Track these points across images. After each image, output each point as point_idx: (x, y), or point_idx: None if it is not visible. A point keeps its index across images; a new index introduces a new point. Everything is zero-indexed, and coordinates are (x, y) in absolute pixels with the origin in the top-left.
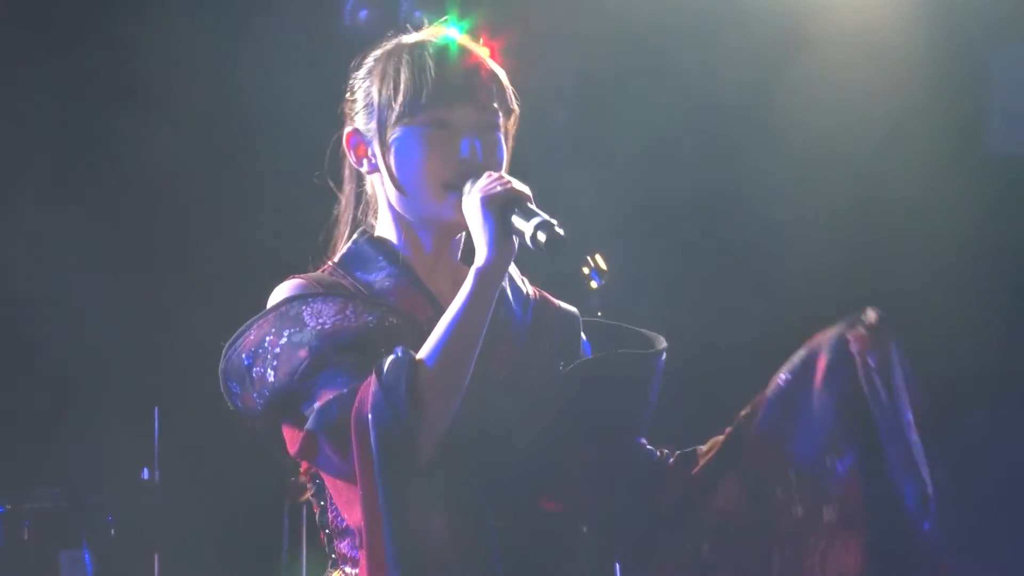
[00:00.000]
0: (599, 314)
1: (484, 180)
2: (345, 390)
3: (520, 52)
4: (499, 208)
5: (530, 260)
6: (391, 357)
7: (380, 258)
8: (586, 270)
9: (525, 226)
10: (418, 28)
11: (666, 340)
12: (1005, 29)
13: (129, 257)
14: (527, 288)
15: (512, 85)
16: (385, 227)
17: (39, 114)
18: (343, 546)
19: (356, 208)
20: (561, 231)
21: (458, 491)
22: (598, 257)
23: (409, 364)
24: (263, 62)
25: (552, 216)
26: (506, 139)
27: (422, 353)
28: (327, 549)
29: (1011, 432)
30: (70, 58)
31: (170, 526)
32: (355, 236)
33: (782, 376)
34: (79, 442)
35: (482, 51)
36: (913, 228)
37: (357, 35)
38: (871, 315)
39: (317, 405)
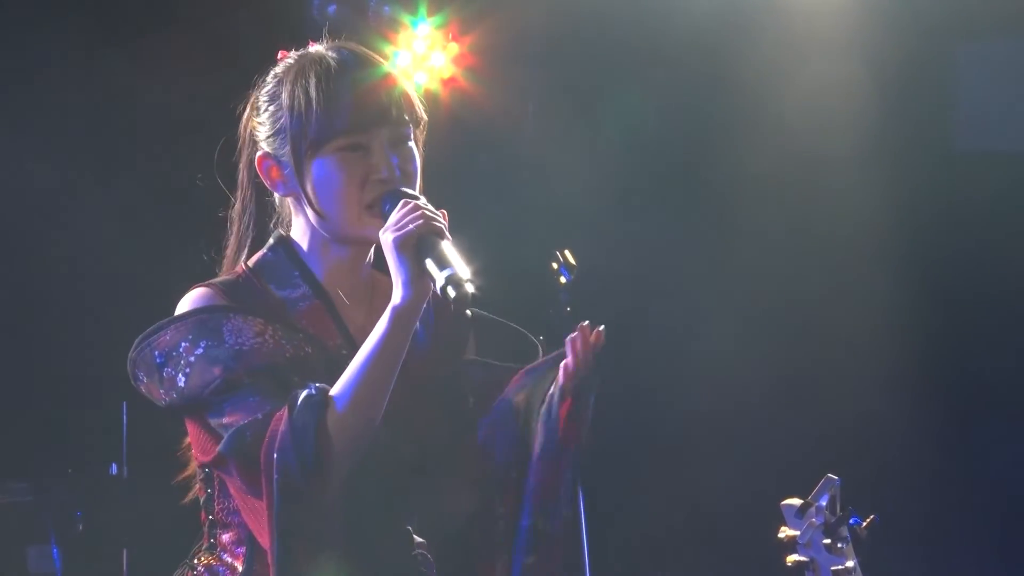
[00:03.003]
0: (568, 309)
1: (396, 215)
2: (259, 415)
3: (490, 48)
4: (413, 248)
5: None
6: (304, 393)
7: (296, 274)
8: (555, 265)
9: (437, 275)
10: (318, 39)
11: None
12: (970, 26)
13: (98, 252)
14: None
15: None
16: (301, 238)
17: None
18: (226, 537)
19: (264, 217)
20: (471, 288)
21: (355, 525)
22: (567, 252)
23: (320, 405)
24: None
25: (464, 260)
26: (417, 147)
27: (335, 391)
28: (207, 532)
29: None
30: None
31: (139, 521)
32: (271, 242)
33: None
34: (47, 437)
35: (386, 65)
36: (880, 224)
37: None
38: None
39: (227, 421)
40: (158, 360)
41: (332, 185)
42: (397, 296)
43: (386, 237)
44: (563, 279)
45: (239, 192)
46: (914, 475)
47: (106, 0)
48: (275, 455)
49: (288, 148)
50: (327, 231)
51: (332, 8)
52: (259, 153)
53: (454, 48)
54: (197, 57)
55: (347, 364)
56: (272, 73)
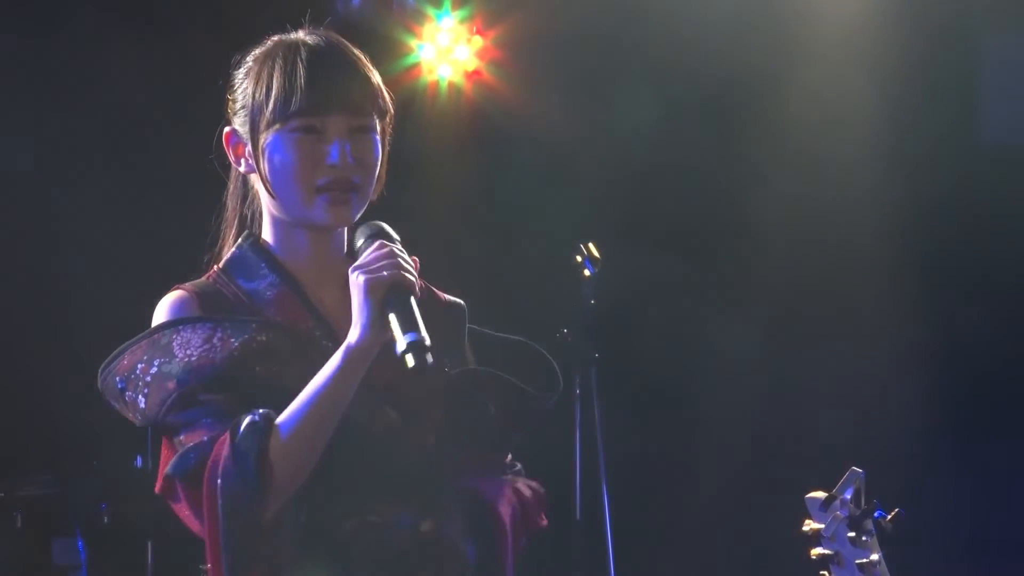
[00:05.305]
0: (591, 302)
1: (369, 255)
2: (205, 438)
3: (515, 41)
4: (380, 297)
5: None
6: (248, 420)
7: (263, 265)
8: (579, 259)
9: (400, 338)
10: (298, 27)
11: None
12: (996, 19)
13: (120, 244)
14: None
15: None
16: (267, 228)
17: None
18: None
19: (243, 204)
20: (429, 357)
21: (311, 538)
22: (591, 245)
23: (263, 432)
24: None
25: (426, 326)
26: (382, 140)
27: (281, 419)
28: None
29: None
30: None
31: (164, 514)
32: (240, 240)
33: None
34: (72, 429)
35: (356, 54)
36: (895, 222)
37: (351, 22)
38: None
39: (184, 439)
40: (120, 385)
41: (283, 164)
42: (354, 335)
43: (356, 278)
44: (587, 272)
45: (230, 175)
46: (927, 473)
47: None
48: (219, 481)
49: (248, 124)
50: (280, 212)
51: (356, 0)
52: (227, 129)
53: (478, 41)
54: (219, 50)
55: (321, 345)
56: (251, 52)
